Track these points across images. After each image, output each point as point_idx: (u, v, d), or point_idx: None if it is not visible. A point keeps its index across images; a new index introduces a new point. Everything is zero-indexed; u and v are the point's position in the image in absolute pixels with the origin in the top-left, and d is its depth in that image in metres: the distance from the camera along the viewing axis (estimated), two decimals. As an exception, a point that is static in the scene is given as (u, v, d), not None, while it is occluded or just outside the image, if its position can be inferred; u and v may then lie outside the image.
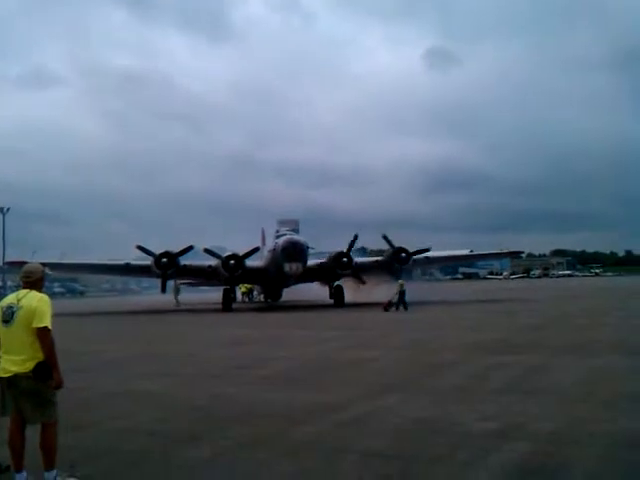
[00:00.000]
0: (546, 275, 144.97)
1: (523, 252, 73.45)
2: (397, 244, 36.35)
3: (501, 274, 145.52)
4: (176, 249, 35.56)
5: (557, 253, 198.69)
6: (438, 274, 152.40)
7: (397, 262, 36.29)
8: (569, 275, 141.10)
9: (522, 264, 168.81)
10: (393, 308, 30.18)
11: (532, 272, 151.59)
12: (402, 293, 31.07)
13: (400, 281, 32.50)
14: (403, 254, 36.11)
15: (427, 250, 38.75)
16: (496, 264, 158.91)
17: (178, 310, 39.13)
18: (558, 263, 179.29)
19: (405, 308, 30.08)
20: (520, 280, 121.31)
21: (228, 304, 36.57)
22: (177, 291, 44.64)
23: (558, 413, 7.45)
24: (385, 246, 37.25)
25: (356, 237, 35.50)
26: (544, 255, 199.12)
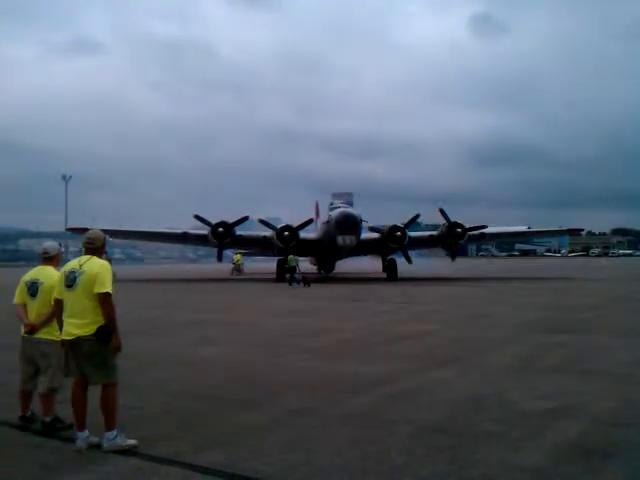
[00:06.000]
0: (606, 254, 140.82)
1: (582, 230, 71.36)
2: (452, 219, 35.87)
3: (559, 252, 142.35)
4: (227, 218, 35.98)
5: (618, 232, 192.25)
6: (494, 250, 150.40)
7: (452, 237, 35.87)
8: (630, 255, 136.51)
9: (581, 242, 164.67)
10: (295, 284, 31.09)
11: (591, 251, 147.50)
12: (292, 268, 32.13)
13: (290, 256, 33.28)
14: (458, 229, 35.62)
15: (484, 227, 38.16)
16: (554, 242, 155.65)
17: (233, 279, 39.73)
18: (619, 242, 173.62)
19: (289, 283, 31.19)
20: (578, 259, 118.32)
21: (282, 275, 36.90)
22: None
23: (613, 394, 7.28)
24: (439, 221, 36.85)
25: (417, 216, 35.58)
26: (604, 233, 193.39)
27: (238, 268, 47.34)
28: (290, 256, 33.24)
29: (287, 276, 32.45)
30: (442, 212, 35.49)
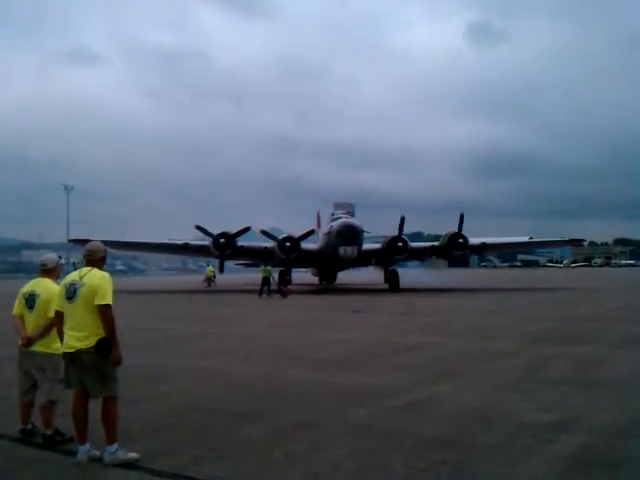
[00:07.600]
0: (608, 264, 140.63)
1: (584, 240, 71.38)
2: (453, 229, 35.88)
3: (561, 262, 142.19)
4: (228, 229, 35.98)
5: (620, 242, 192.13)
6: (496, 261, 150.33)
7: (453, 248, 35.87)
8: (632, 265, 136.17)
9: (583, 252, 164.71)
10: (265, 295, 31.06)
11: (593, 261, 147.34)
12: (266, 279, 32.00)
13: (264, 267, 33.30)
14: (460, 240, 35.62)
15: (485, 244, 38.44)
16: (556, 252, 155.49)
17: (236, 290, 39.71)
18: (621, 252, 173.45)
19: (267, 294, 31.15)
20: (581, 269, 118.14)
21: (284, 286, 36.88)
22: None
23: (617, 406, 7.24)
24: (440, 231, 36.87)
25: (403, 219, 35.05)
26: (606, 244, 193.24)
27: (209, 279, 47.08)
28: (262, 267, 33.41)
29: (261, 287, 32.16)
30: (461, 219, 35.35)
